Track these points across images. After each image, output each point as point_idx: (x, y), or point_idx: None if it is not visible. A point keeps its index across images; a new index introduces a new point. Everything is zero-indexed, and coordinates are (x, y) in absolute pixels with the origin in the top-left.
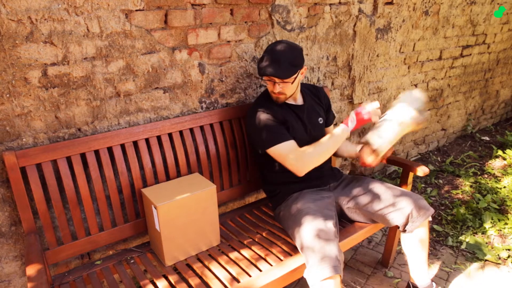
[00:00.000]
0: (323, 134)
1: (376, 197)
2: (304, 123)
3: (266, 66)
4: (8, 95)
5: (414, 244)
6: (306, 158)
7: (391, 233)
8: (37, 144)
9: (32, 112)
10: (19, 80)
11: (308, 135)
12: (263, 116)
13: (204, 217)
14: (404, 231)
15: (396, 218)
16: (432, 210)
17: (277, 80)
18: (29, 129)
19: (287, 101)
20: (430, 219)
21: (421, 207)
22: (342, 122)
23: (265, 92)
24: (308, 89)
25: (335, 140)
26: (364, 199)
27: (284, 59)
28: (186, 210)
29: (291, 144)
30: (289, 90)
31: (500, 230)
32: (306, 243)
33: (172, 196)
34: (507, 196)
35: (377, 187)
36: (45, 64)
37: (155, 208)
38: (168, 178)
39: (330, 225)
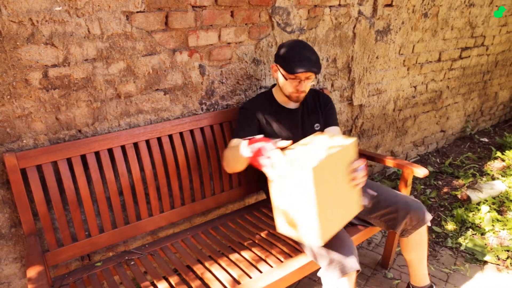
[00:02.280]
0: None
1: (374, 202)
2: (297, 127)
3: (303, 62)
4: (8, 97)
5: (413, 247)
6: (223, 158)
7: (390, 234)
8: (38, 145)
9: (33, 113)
10: (19, 82)
11: (301, 139)
12: (246, 112)
13: (347, 178)
14: (402, 235)
15: (393, 224)
16: (430, 217)
17: (310, 75)
18: (29, 130)
19: (284, 105)
20: (429, 224)
21: (419, 214)
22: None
23: (267, 92)
24: (310, 94)
25: (233, 153)
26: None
27: (315, 55)
28: (335, 171)
29: (236, 141)
30: (308, 88)
31: (499, 232)
32: None
33: (315, 157)
34: (506, 197)
35: (377, 191)
36: (45, 65)
37: (307, 172)
38: (168, 179)
39: None
